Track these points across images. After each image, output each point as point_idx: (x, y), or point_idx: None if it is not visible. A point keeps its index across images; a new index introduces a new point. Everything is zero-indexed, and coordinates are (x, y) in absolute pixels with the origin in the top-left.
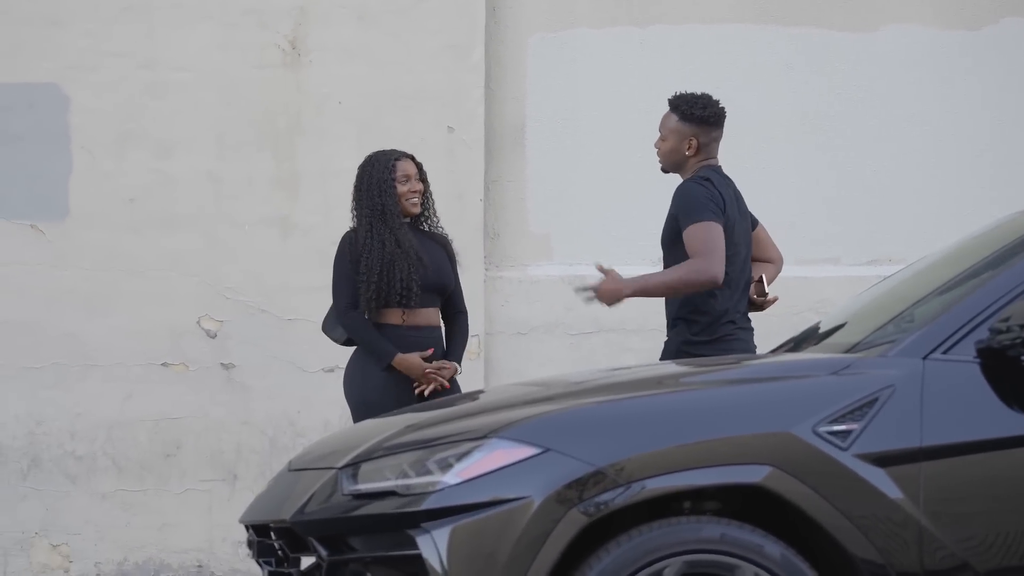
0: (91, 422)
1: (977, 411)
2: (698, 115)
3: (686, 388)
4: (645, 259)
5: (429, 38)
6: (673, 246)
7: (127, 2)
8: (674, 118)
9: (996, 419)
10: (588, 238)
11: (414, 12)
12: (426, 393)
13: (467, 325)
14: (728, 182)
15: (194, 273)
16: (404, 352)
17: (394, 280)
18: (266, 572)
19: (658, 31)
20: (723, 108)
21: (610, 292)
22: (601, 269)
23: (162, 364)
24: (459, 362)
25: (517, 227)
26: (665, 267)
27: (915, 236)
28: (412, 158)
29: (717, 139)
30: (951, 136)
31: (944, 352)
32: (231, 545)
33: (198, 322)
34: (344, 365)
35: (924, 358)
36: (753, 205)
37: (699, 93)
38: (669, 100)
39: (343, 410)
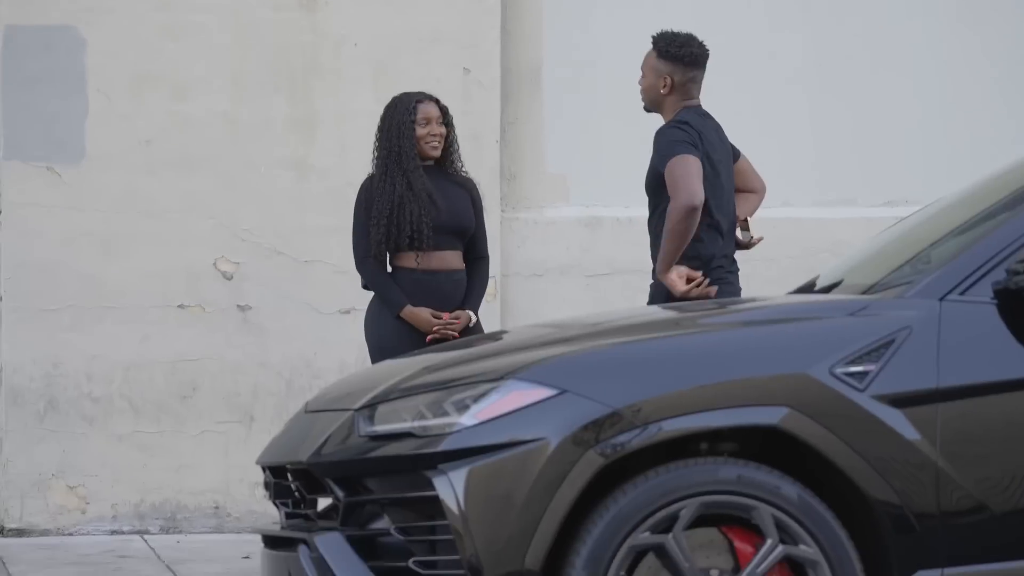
0: (108, 364)
1: (994, 352)
2: (674, 53)
3: (703, 329)
4: None
5: None
6: (655, 192)
7: None
8: (653, 55)
9: (1013, 360)
10: (605, 179)
11: None
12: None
13: (487, 271)
14: (708, 120)
15: (210, 215)
16: (421, 296)
17: (404, 222)
18: (283, 513)
19: None
20: (705, 49)
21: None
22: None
23: (178, 306)
24: (476, 310)
25: (534, 168)
26: (650, 210)
27: (931, 177)
28: (436, 101)
29: (695, 79)
30: (968, 76)
31: (961, 293)
32: (248, 486)
33: (214, 264)
34: (360, 307)
35: (941, 299)
36: (768, 147)
37: (682, 32)
38: (652, 37)
39: (359, 351)
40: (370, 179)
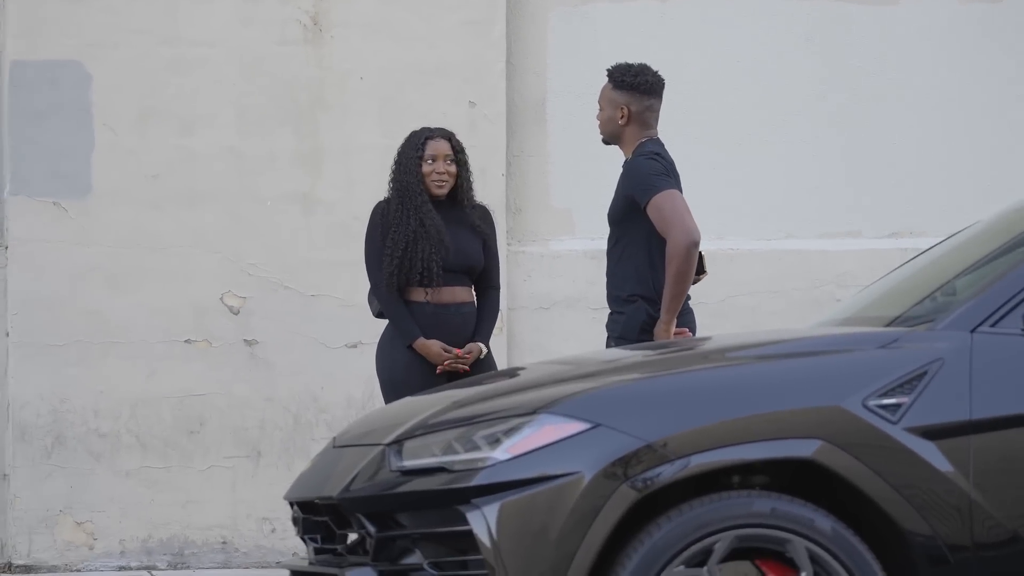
0: (114, 400)
1: None
2: (629, 82)
3: (735, 363)
4: None
5: (450, 13)
6: (622, 223)
7: None
8: (609, 86)
9: None
10: None
11: None
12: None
13: (498, 302)
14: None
15: (216, 250)
16: (431, 329)
17: (415, 260)
18: (311, 549)
19: (678, 4)
20: (660, 78)
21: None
22: None
23: (185, 341)
24: (486, 341)
25: (539, 202)
26: (611, 242)
27: (936, 208)
28: (449, 138)
29: (652, 109)
30: (971, 108)
31: (992, 325)
32: (255, 522)
33: (221, 299)
34: (366, 341)
35: (972, 331)
36: (773, 178)
37: (636, 63)
38: (607, 70)
39: (366, 385)
40: (387, 202)
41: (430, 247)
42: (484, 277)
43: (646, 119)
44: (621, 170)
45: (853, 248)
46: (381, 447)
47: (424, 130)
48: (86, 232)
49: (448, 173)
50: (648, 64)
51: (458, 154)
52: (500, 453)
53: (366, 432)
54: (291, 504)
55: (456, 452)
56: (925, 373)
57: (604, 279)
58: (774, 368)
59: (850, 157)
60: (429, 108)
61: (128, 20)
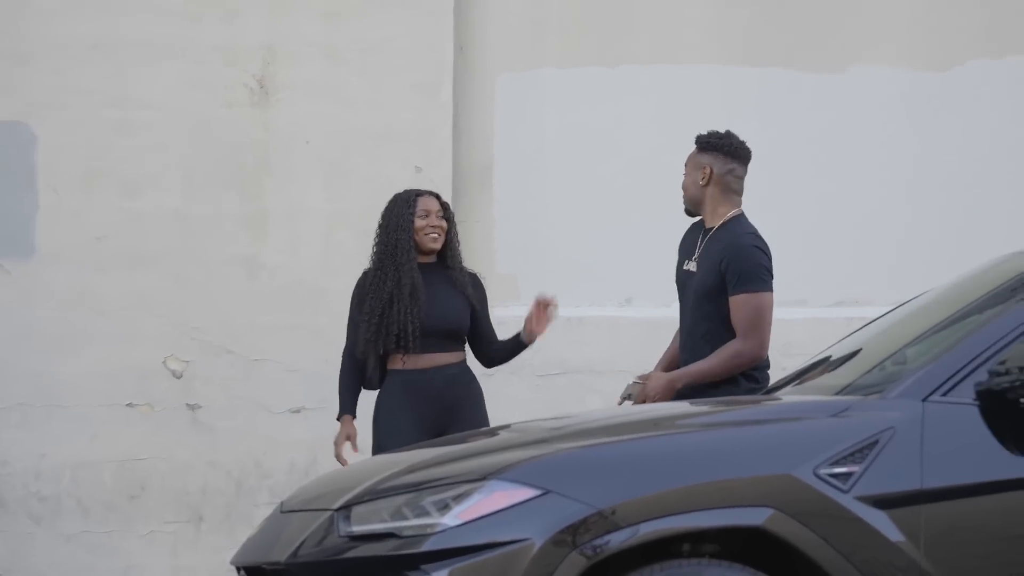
0: (56, 463)
1: (977, 454)
2: (713, 143)
3: (687, 430)
4: (612, 299)
5: (397, 77)
6: (707, 298)
7: (95, 40)
8: (694, 151)
9: (995, 462)
10: (556, 279)
11: (382, 51)
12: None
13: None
14: None
15: (160, 313)
16: (413, 394)
17: (391, 324)
18: None
19: (626, 71)
20: (746, 146)
21: (663, 388)
22: (640, 379)
23: (127, 404)
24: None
25: (485, 268)
26: (694, 316)
27: (884, 278)
28: (437, 196)
29: (735, 174)
30: (920, 178)
31: (944, 394)
32: None
33: (164, 362)
34: (310, 406)
35: (924, 400)
36: None
37: (724, 129)
38: (695, 137)
39: (309, 451)
40: (364, 274)
41: (404, 307)
42: (485, 338)
43: (728, 183)
44: (710, 241)
45: (799, 317)
46: (330, 512)
47: (410, 190)
48: (29, 294)
49: (440, 227)
50: (734, 131)
51: (446, 211)
52: (450, 519)
53: (315, 496)
54: (237, 569)
55: (405, 518)
56: (876, 442)
57: (548, 346)
58: (725, 436)
59: (796, 225)
60: (375, 172)
61: (74, 81)
